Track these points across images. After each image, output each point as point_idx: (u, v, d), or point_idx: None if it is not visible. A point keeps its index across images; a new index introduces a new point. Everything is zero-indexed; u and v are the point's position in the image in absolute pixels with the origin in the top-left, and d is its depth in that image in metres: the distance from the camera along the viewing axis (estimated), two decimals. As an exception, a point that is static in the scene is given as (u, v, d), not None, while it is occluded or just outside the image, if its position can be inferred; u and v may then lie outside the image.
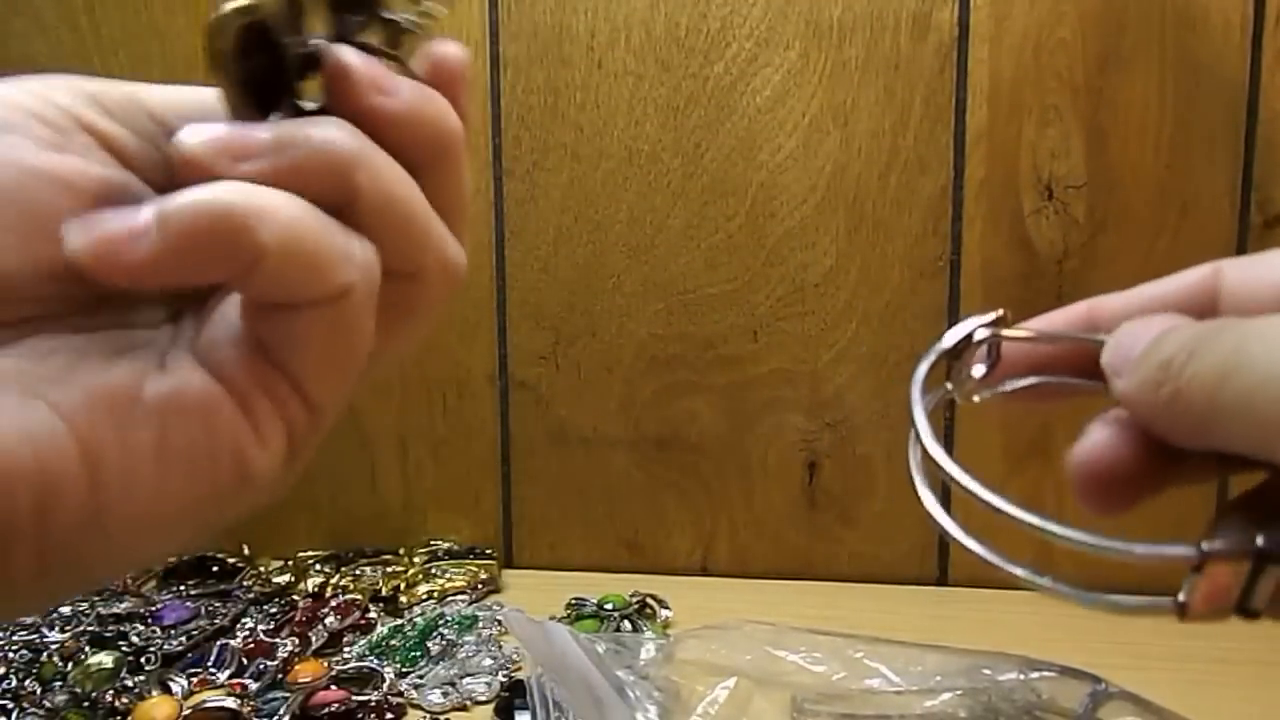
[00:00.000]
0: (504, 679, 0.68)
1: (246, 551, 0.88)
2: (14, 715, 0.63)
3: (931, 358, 0.32)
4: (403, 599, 0.80)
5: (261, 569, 0.85)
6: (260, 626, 0.75)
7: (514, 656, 0.71)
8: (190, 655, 0.71)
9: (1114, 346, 0.29)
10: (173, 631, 0.73)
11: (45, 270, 0.25)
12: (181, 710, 0.61)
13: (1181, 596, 0.25)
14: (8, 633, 0.73)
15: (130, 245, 0.24)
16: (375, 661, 0.69)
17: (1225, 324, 0.25)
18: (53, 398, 0.24)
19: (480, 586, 0.83)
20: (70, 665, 0.68)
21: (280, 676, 0.67)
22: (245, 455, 0.26)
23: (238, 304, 0.27)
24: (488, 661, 0.70)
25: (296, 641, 0.71)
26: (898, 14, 0.81)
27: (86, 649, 0.70)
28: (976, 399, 0.34)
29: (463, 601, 0.80)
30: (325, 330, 0.26)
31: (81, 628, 0.73)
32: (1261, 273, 0.29)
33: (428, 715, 0.65)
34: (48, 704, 0.63)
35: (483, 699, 0.67)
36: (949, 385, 0.33)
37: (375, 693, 0.65)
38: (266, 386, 0.27)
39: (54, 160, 0.25)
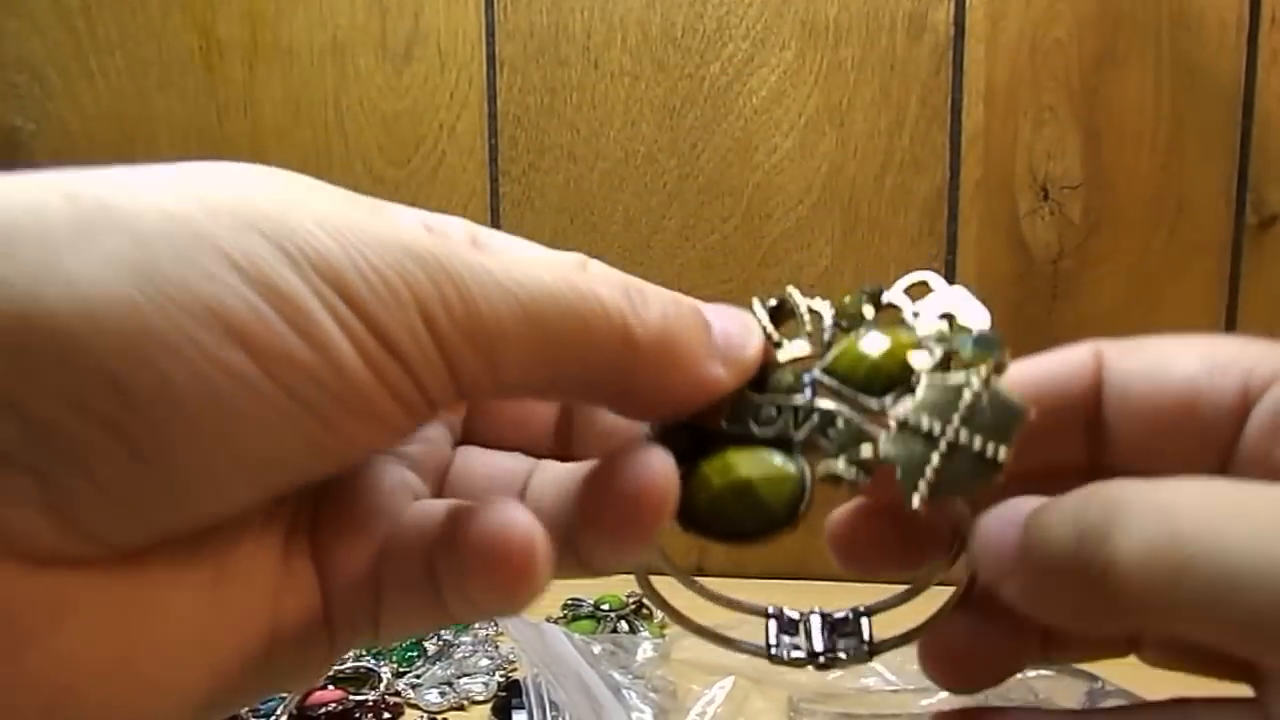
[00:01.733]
0: (501, 679, 0.68)
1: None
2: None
3: None
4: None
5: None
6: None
7: (511, 656, 0.71)
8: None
9: (983, 547, 0.26)
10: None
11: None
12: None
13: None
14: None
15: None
16: (372, 661, 0.69)
17: (1124, 495, 0.23)
18: None
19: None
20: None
21: (277, 677, 0.67)
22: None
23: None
24: (485, 661, 0.70)
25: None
26: (893, 14, 0.81)
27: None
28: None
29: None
30: None
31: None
32: (1145, 366, 0.28)
33: (425, 715, 0.65)
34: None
35: (480, 699, 0.67)
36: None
37: (372, 692, 0.65)
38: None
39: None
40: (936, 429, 0.27)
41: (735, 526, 0.27)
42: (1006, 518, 0.26)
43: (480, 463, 0.30)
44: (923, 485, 0.26)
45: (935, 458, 0.26)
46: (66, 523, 0.20)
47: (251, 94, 0.87)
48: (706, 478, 0.27)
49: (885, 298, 0.29)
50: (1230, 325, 0.82)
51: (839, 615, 0.30)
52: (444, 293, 0.22)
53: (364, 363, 0.21)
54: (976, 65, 0.81)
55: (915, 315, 0.29)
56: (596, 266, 0.26)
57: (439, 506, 0.27)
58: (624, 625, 0.75)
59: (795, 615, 0.30)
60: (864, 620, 0.30)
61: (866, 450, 0.27)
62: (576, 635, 0.63)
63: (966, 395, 0.27)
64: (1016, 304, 0.83)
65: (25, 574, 0.20)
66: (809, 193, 0.84)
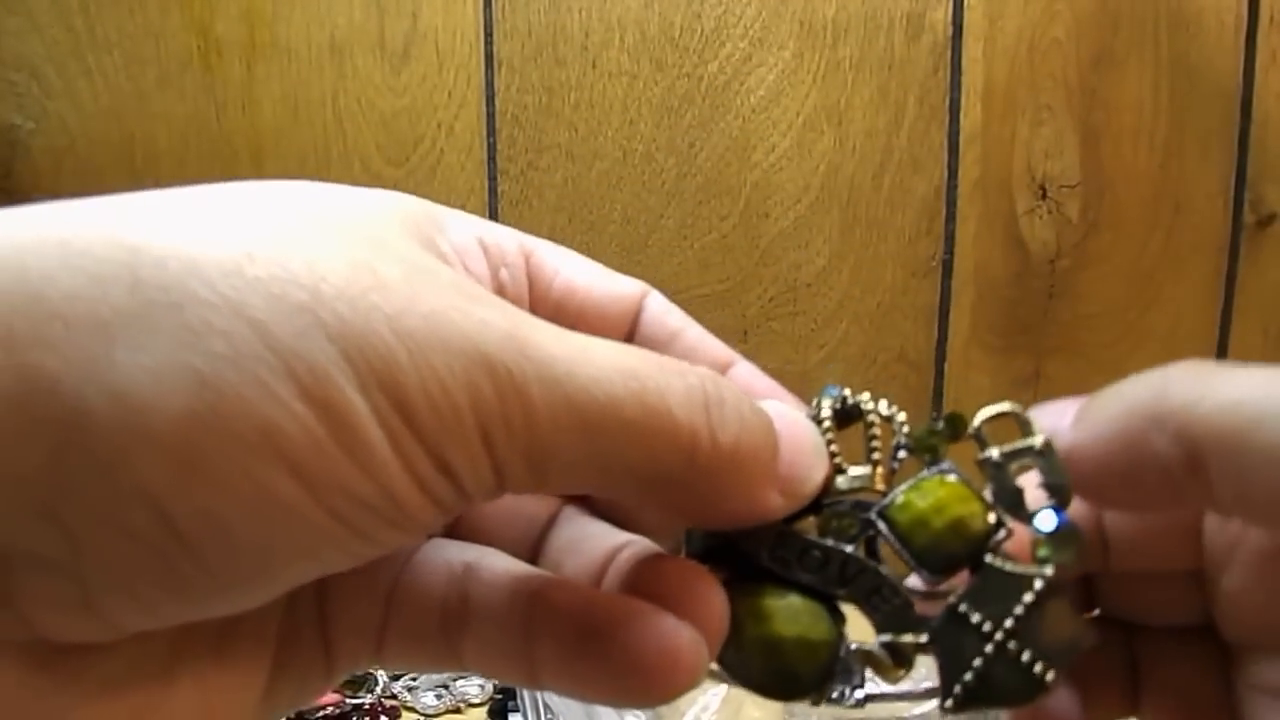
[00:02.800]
0: (497, 682, 0.69)
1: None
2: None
3: None
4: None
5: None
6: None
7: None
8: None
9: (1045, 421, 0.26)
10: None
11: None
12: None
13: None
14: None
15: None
16: (370, 663, 0.69)
17: (1187, 369, 0.24)
18: None
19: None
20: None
21: (275, 678, 0.68)
22: None
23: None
24: (481, 662, 0.70)
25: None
26: (891, 14, 0.81)
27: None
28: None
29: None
30: None
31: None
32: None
33: (421, 717, 0.66)
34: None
35: (476, 701, 0.67)
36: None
37: (369, 695, 0.66)
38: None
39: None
40: (989, 626, 0.25)
41: (756, 682, 0.25)
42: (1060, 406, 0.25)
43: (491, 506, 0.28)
44: (959, 688, 0.25)
45: (979, 661, 0.25)
46: (97, 617, 0.20)
47: (250, 93, 0.87)
48: (738, 620, 0.25)
49: (966, 428, 0.27)
50: (1226, 323, 0.82)
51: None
52: (507, 407, 0.20)
53: (417, 487, 0.20)
54: (974, 65, 0.81)
55: (994, 464, 0.26)
56: (676, 365, 0.23)
57: (460, 557, 0.26)
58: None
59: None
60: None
61: (908, 638, 0.25)
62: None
63: (1027, 598, 0.25)
64: (1014, 302, 0.83)
65: (52, 659, 0.20)
66: (807, 192, 0.84)
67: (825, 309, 0.84)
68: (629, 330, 0.29)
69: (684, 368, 0.22)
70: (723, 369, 0.28)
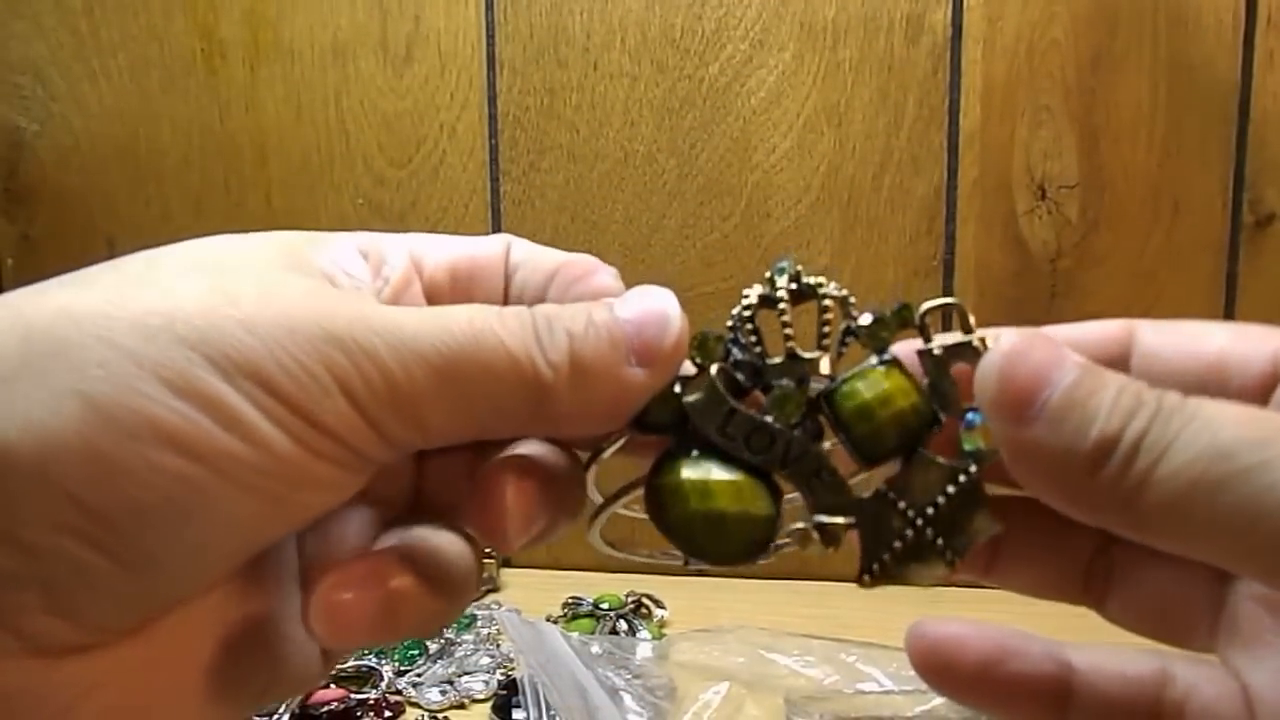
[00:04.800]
0: (502, 677, 0.69)
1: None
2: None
3: None
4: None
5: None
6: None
7: (511, 655, 0.71)
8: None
9: (999, 373, 0.24)
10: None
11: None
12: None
13: None
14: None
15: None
16: (374, 660, 0.69)
17: (1175, 405, 0.22)
18: None
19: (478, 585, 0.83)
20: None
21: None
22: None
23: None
24: (485, 660, 0.70)
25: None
26: (891, 15, 0.81)
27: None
28: None
29: (461, 600, 0.81)
30: None
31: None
32: (1178, 338, 0.28)
33: (426, 713, 0.66)
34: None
35: (480, 697, 0.67)
36: None
37: (374, 691, 0.66)
38: None
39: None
40: (911, 513, 0.27)
41: (698, 548, 0.28)
42: (1054, 354, 0.24)
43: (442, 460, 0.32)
44: (875, 566, 0.27)
45: (897, 543, 0.27)
46: (76, 621, 0.23)
47: (253, 95, 0.88)
48: (685, 494, 0.27)
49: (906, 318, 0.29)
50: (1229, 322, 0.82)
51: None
52: (361, 369, 0.23)
53: (296, 444, 0.23)
54: (974, 66, 0.81)
55: (934, 358, 0.28)
56: (512, 310, 0.26)
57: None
58: (623, 625, 0.76)
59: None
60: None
61: (840, 520, 0.27)
62: (575, 635, 0.63)
63: (949, 489, 0.26)
64: (1015, 303, 0.84)
65: (49, 666, 0.23)
66: (807, 192, 0.84)
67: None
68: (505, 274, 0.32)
69: (519, 310, 0.26)
70: (582, 272, 0.31)
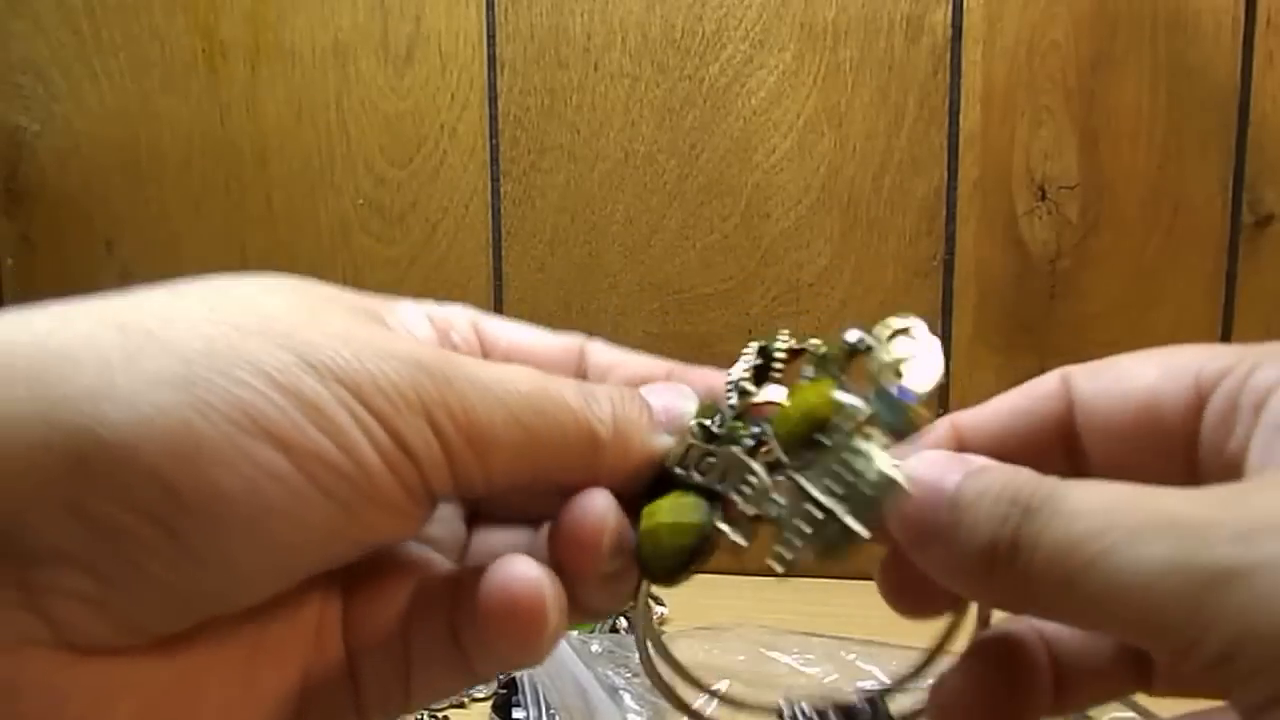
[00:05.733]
0: (501, 676, 0.69)
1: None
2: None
3: None
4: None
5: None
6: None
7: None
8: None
9: (909, 510, 0.26)
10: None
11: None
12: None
13: None
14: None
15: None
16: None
17: (1041, 502, 0.24)
18: None
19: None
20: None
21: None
22: None
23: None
24: (485, 659, 0.70)
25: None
26: (891, 16, 0.81)
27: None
28: None
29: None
30: None
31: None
32: (1109, 383, 0.29)
33: (426, 712, 0.66)
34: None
35: (480, 696, 0.67)
36: None
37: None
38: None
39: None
40: (820, 495, 0.28)
41: (645, 567, 0.29)
42: (939, 474, 0.26)
43: (496, 539, 0.33)
44: (786, 551, 0.28)
45: (806, 525, 0.28)
46: (116, 616, 0.22)
47: (254, 95, 0.88)
48: (641, 520, 0.29)
49: (865, 339, 0.31)
50: (1227, 324, 0.82)
51: (855, 704, 0.31)
52: (447, 400, 0.25)
53: (380, 458, 0.24)
54: (974, 67, 0.81)
55: (863, 349, 0.31)
56: (567, 378, 0.29)
57: (459, 572, 0.29)
58: (623, 623, 0.76)
59: (810, 713, 0.31)
60: (878, 703, 0.31)
61: (751, 510, 0.29)
62: (574, 634, 0.63)
63: (853, 464, 0.28)
64: (1015, 303, 0.84)
65: (75, 663, 0.22)
66: (808, 193, 0.84)
67: (828, 308, 0.85)
68: (577, 372, 0.34)
69: (571, 379, 0.29)
70: (663, 375, 0.33)
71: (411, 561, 0.30)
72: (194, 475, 0.22)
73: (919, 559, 0.26)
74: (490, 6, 0.85)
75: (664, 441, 0.30)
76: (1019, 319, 0.84)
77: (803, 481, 0.28)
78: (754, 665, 0.60)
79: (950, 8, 0.81)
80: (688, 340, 0.86)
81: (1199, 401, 0.27)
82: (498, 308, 0.88)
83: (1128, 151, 0.81)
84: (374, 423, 0.24)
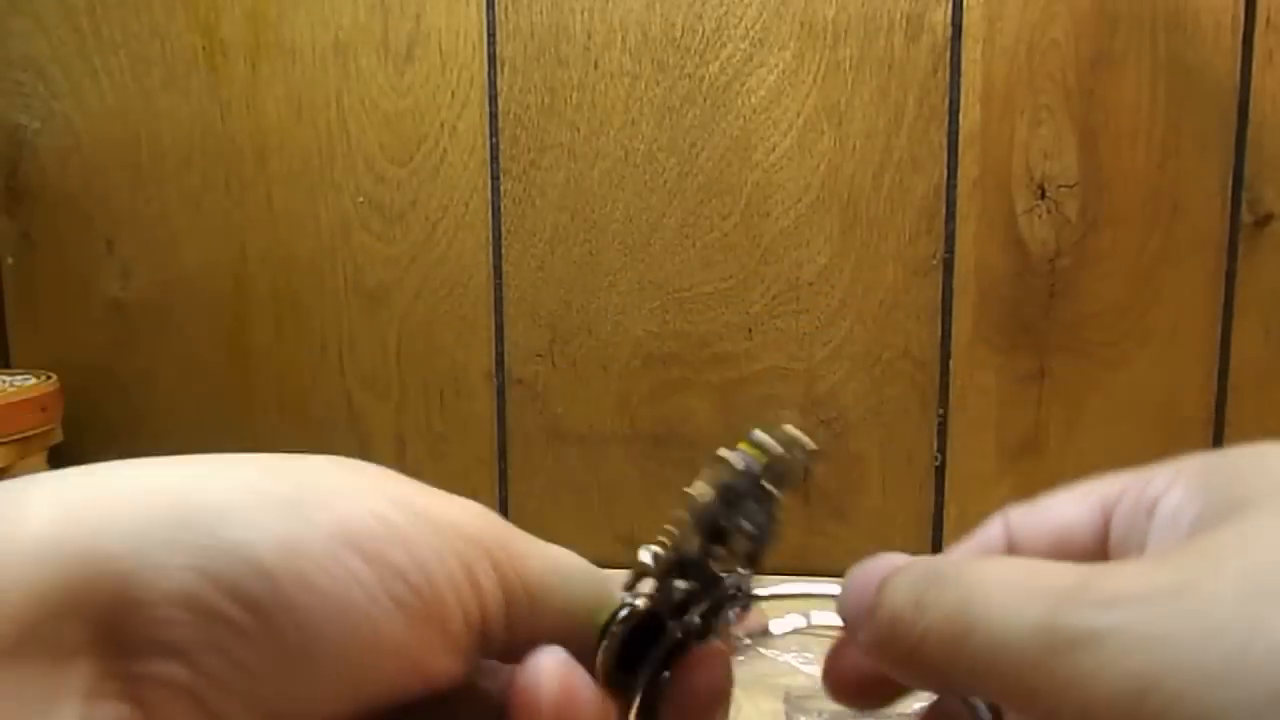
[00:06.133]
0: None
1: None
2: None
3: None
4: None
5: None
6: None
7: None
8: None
9: (844, 598, 0.30)
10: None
11: None
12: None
13: None
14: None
15: None
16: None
17: (943, 571, 0.26)
18: None
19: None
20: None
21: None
22: None
23: None
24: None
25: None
26: (891, 15, 0.81)
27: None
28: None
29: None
30: None
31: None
32: (1035, 521, 0.31)
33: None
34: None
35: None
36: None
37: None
38: None
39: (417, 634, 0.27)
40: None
41: None
42: (871, 571, 0.29)
43: None
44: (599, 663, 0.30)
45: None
46: (205, 708, 0.24)
47: (254, 93, 0.88)
48: None
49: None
50: (1227, 323, 0.82)
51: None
52: (505, 542, 0.28)
53: (448, 580, 0.27)
54: (973, 65, 0.81)
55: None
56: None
57: None
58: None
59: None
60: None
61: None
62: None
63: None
64: (1014, 302, 0.84)
65: None
66: (807, 191, 0.84)
67: (828, 307, 0.85)
68: None
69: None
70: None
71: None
72: (296, 572, 0.24)
73: (854, 640, 0.29)
74: (490, 5, 0.85)
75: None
76: (1018, 318, 0.84)
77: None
78: (753, 664, 0.60)
79: (950, 6, 0.81)
80: (688, 339, 0.86)
81: (1104, 524, 0.29)
82: (498, 306, 0.88)
83: (1127, 150, 0.81)
84: (448, 552, 0.27)
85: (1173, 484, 0.27)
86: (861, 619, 0.28)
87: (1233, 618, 0.20)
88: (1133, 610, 0.21)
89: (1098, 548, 0.29)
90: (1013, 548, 0.31)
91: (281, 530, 0.25)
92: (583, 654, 0.30)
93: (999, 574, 0.24)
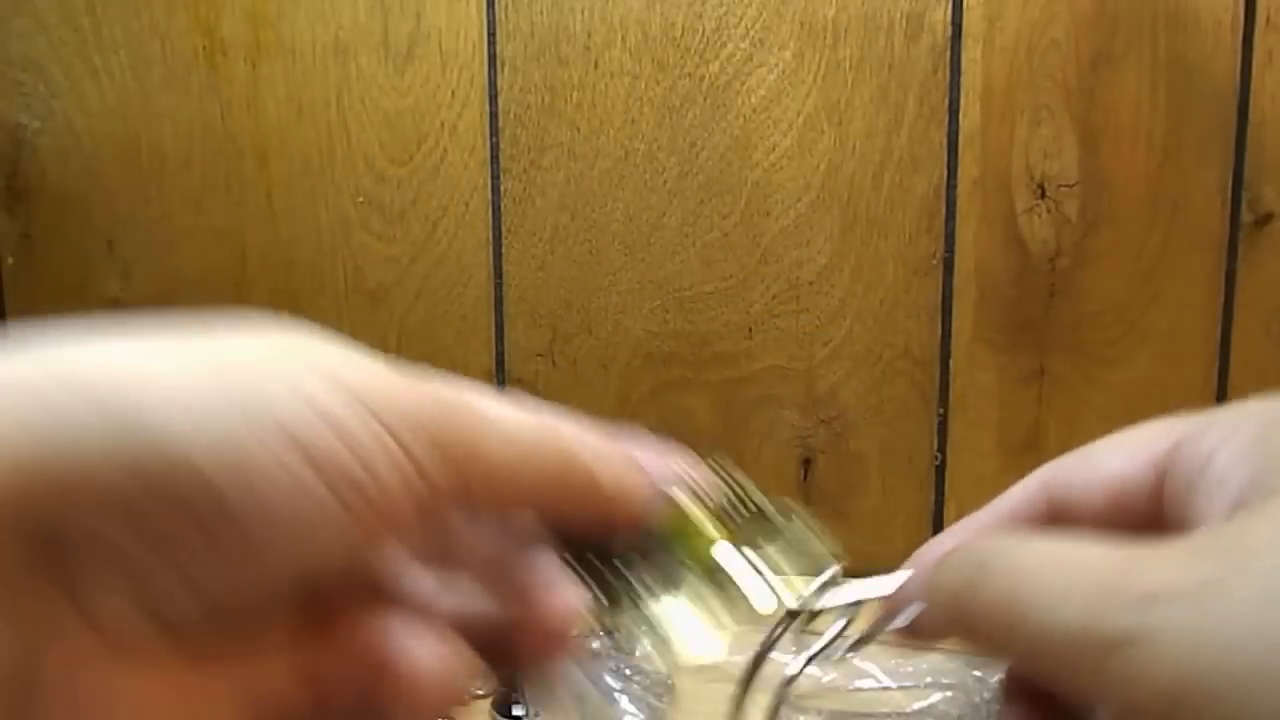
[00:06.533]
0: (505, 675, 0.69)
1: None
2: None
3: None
4: (401, 594, 0.81)
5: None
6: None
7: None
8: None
9: (910, 584, 0.31)
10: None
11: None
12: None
13: None
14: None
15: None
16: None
17: (988, 562, 0.26)
18: None
19: (478, 582, 0.83)
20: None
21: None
22: None
23: None
24: (485, 657, 0.71)
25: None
26: (891, 15, 0.81)
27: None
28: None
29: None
30: None
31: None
32: (1093, 473, 0.31)
33: (426, 710, 0.66)
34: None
35: (480, 693, 0.67)
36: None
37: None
38: None
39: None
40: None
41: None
42: (930, 556, 0.29)
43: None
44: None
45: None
46: (147, 610, 0.25)
47: (255, 93, 0.88)
48: None
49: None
50: (1227, 322, 0.83)
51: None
52: (460, 433, 0.27)
53: (400, 479, 0.26)
54: (974, 65, 0.81)
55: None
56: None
57: None
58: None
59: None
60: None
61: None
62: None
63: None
64: (1014, 302, 0.84)
65: (115, 669, 0.25)
66: (808, 190, 0.84)
67: (828, 306, 0.85)
68: None
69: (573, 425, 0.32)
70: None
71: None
72: (238, 478, 0.24)
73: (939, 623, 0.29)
74: (491, 4, 0.85)
75: (649, 485, 0.32)
76: (1018, 317, 0.84)
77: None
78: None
79: (950, 6, 0.81)
80: (688, 338, 0.86)
81: (1159, 480, 0.28)
82: (498, 306, 0.88)
83: (1127, 150, 0.81)
84: (396, 447, 0.26)
85: (1227, 440, 0.26)
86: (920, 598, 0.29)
87: (1263, 622, 0.20)
88: (1167, 610, 0.21)
89: (1153, 504, 0.29)
90: (1064, 505, 0.31)
91: (219, 431, 0.24)
92: (545, 519, 0.30)
93: (1040, 562, 0.24)
